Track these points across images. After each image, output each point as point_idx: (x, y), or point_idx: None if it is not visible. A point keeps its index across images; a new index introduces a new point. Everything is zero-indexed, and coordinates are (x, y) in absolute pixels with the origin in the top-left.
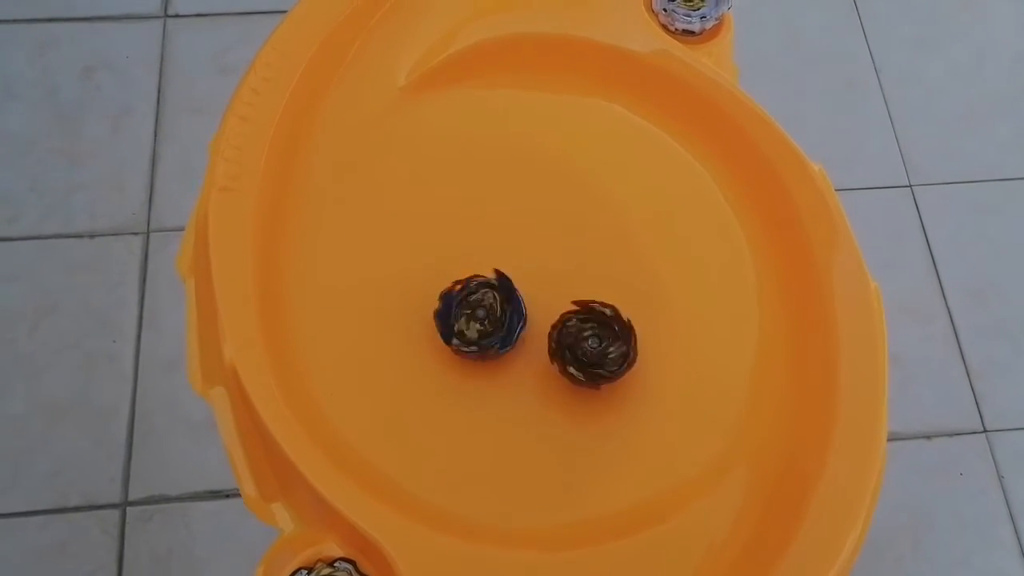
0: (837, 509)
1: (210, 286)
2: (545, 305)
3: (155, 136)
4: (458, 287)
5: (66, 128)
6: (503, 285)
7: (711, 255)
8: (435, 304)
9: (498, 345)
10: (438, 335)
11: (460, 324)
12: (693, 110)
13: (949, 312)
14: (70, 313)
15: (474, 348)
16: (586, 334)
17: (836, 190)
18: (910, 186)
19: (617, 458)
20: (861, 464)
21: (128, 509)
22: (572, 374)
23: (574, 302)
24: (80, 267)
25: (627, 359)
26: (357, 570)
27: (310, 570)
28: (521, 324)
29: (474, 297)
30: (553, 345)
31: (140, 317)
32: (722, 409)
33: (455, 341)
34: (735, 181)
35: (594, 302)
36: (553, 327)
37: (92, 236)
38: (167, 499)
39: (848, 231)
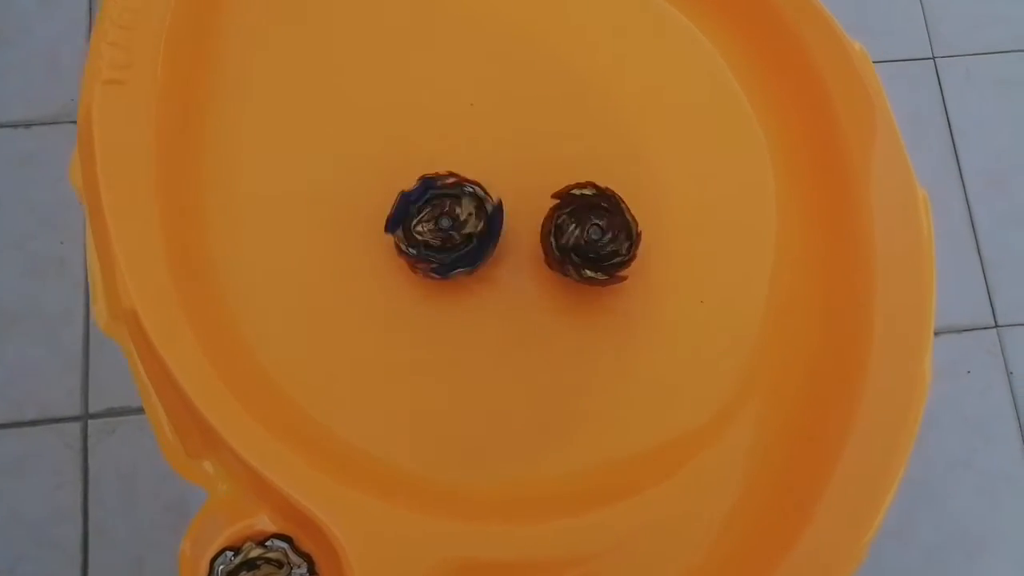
0: (869, 468)
1: (100, 208)
2: (524, 209)
3: (90, 7)
4: (418, 184)
5: None
6: (473, 194)
7: (720, 152)
8: (388, 212)
9: (465, 262)
10: (392, 253)
11: (419, 226)
12: None
13: (967, 198)
14: (10, 212)
15: (432, 257)
16: (588, 228)
17: None
18: (933, 58)
19: (611, 400)
20: (898, 413)
21: (90, 422)
22: (592, 277)
23: (553, 195)
24: (18, 160)
25: (630, 235)
26: (294, 549)
27: (237, 551)
28: (493, 243)
29: (438, 201)
30: (556, 254)
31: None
32: (733, 337)
33: (410, 250)
34: (751, 59)
35: (571, 187)
36: (545, 234)
37: (28, 126)
38: (129, 411)
39: (893, 126)
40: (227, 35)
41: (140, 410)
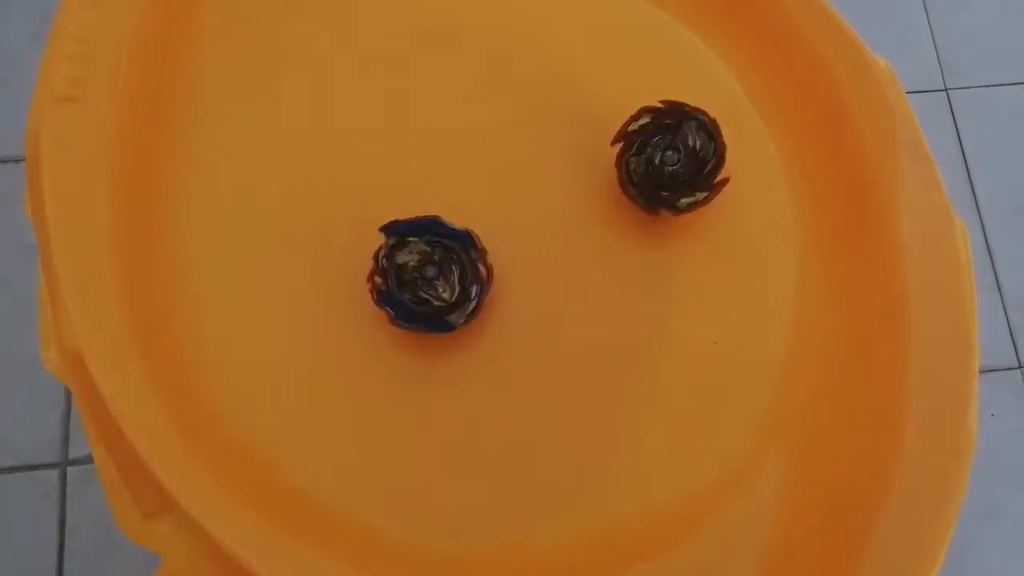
0: (911, 532)
1: (47, 241)
2: (514, 250)
3: None
4: (379, 280)
5: None
6: (406, 232)
7: (736, 181)
8: (364, 252)
9: (473, 302)
10: (368, 296)
11: (436, 298)
12: None
13: (984, 232)
14: None
15: (417, 311)
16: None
17: None
18: (945, 90)
19: (620, 454)
20: (939, 481)
21: (69, 469)
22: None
23: (613, 142)
24: (4, 197)
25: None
26: None
27: None
28: (480, 286)
29: (408, 268)
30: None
31: None
32: (751, 382)
33: (454, 315)
34: (765, 77)
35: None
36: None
37: (18, 161)
38: None
39: (925, 150)
40: (196, 55)
41: None
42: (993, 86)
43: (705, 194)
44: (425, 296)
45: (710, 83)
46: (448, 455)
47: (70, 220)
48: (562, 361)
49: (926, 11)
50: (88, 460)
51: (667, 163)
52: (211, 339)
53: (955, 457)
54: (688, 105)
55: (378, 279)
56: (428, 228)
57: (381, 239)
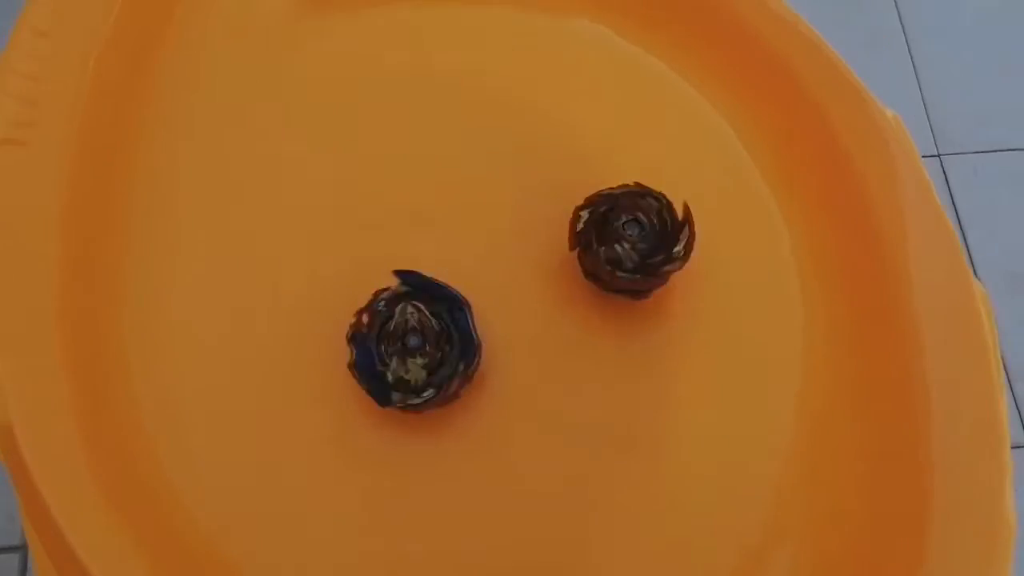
0: None
1: None
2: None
3: None
4: (365, 319)
5: None
6: (418, 286)
7: (733, 240)
8: (340, 325)
9: (461, 368)
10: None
11: (395, 368)
12: (706, 30)
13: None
14: None
15: (429, 393)
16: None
17: None
18: (939, 155)
19: (619, 544)
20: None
21: (30, 553)
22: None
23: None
24: None
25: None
26: None
27: None
28: (470, 329)
29: (395, 323)
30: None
31: None
32: (758, 467)
33: (396, 396)
34: (767, 133)
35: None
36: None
37: None
38: None
39: (938, 209)
40: (162, 102)
41: None
42: (985, 152)
43: (659, 280)
44: (389, 364)
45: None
46: (429, 551)
47: (9, 281)
48: (550, 447)
49: (917, 79)
50: None
51: (613, 257)
52: (155, 418)
53: (992, 549)
54: (628, 190)
55: (365, 317)
56: (442, 295)
57: (344, 314)
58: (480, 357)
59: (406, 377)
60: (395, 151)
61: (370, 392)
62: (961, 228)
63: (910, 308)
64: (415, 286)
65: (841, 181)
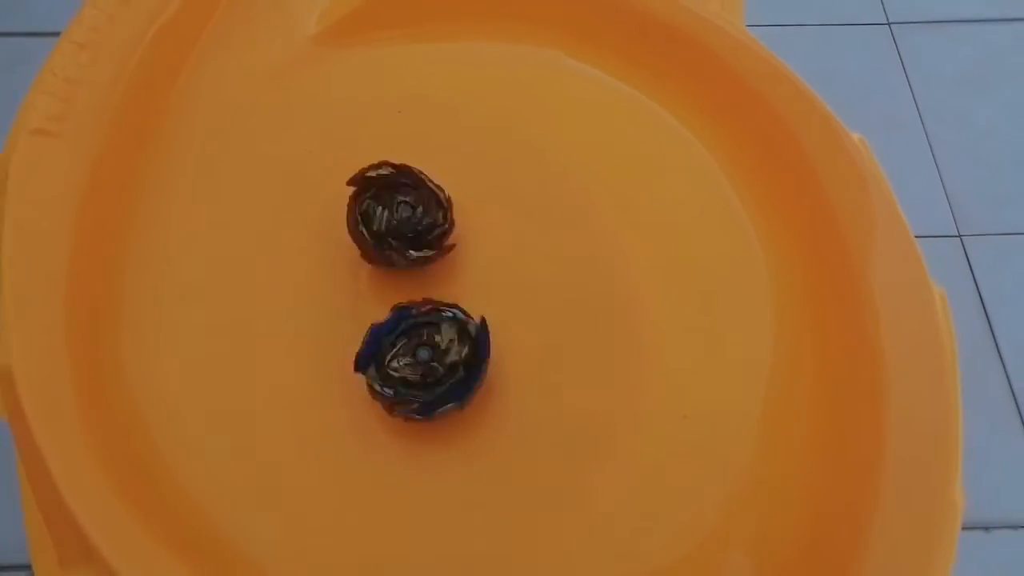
0: None
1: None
2: (510, 329)
3: None
4: (390, 315)
5: None
6: (453, 319)
7: (708, 255)
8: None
9: (452, 397)
10: (363, 394)
11: (394, 361)
12: (683, 63)
13: (1007, 376)
14: None
15: (412, 395)
16: (397, 207)
17: None
18: (959, 236)
19: (583, 530)
20: (921, 555)
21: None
22: (419, 256)
23: (348, 182)
24: None
25: (441, 203)
26: None
27: None
28: (482, 370)
29: (414, 331)
30: (371, 243)
31: None
32: (720, 457)
33: (386, 390)
34: (740, 153)
35: (365, 169)
36: (353, 225)
37: None
38: None
39: (901, 221)
40: (184, 114)
41: None
42: (1007, 234)
43: (432, 252)
44: (401, 364)
45: (689, 166)
46: (425, 548)
47: (26, 244)
48: (540, 449)
49: (935, 162)
50: None
51: (403, 215)
52: (156, 390)
53: (938, 531)
54: (425, 176)
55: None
56: (402, 317)
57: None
58: (485, 370)
59: (396, 372)
60: None
61: (359, 365)
62: (984, 306)
63: (873, 312)
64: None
65: (809, 193)
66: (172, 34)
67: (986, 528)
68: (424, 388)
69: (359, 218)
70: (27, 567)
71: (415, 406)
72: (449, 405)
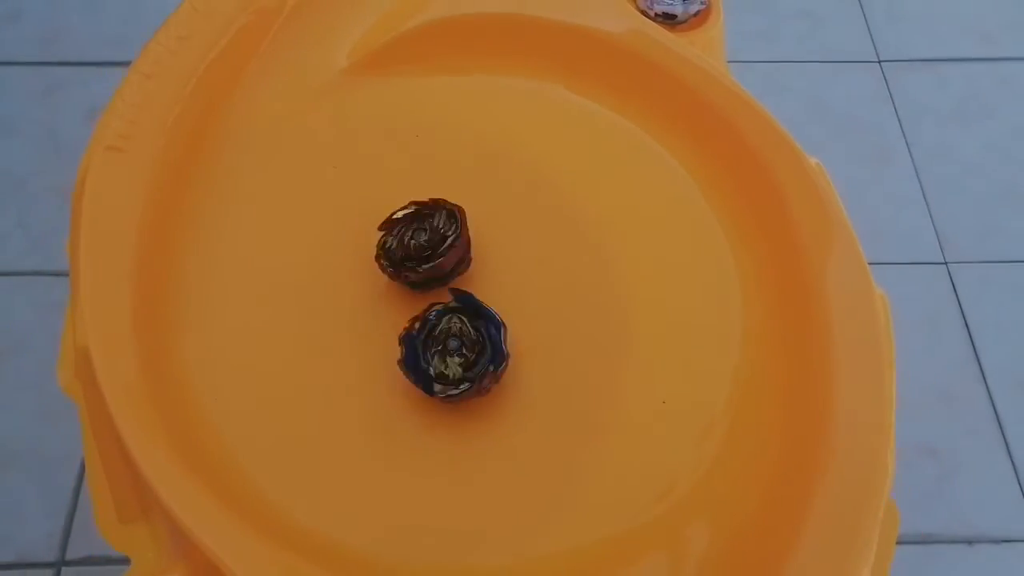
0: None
1: (77, 259)
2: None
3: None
4: (416, 325)
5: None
6: (466, 304)
7: (687, 263)
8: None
9: (491, 368)
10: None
11: (435, 364)
12: (669, 97)
13: (992, 402)
14: (37, 354)
15: (465, 386)
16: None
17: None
18: (945, 263)
19: (565, 497)
20: (851, 535)
21: (63, 570)
22: (431, 267)
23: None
24: (54, 306)
25: (454, 218)
26: None
27: None
28: (501, 343)
29: (440, 329)
30: (391, 270)
31: None
32: (695, 435)
33: (438, 387)
34: (715, 176)
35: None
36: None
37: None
38: (109, 560)
39: (849, 233)
40: (230, 134)
41: (120, 560)
42: (991, 262)
43: (441, 259)
44: (431, 361)
45: (669, 185)
46: (439, 487)
47: (99, 245)
48: (556, 431)
49: (923, 193)
50: (84, 562)
51: (419, 241)
52: (218, 368)
53: (873, 490)
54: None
55: (416, 324)
56: (484, 314)
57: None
58: (507, 363)
59: (445, 372)
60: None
61: (416, 383)
62: (969, 332)
63: (825, 313)
64: (463, 303)
65: (774, 210)
66: (222, 67)
67: (969, 542)
68: (452, 377)
69: (380, 252)
70: (53, 564)
71: (467, 387)
72: (472, 390)
